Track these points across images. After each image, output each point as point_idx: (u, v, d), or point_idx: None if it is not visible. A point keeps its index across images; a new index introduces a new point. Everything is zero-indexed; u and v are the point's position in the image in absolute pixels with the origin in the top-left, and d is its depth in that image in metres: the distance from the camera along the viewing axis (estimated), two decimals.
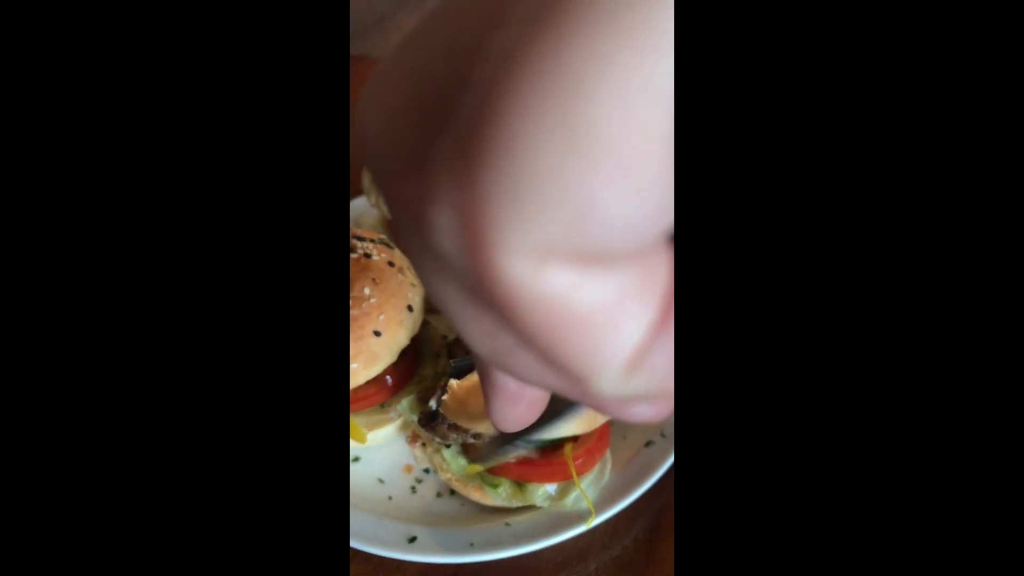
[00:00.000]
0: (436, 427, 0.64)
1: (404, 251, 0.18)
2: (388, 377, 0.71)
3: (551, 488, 0.64)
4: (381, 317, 0.65)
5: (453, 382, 0.63)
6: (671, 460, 0.66)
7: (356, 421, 0.69)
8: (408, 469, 0.71)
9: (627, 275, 0.14)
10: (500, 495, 0.64)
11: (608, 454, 0.67)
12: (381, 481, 0.70)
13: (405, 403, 0.70)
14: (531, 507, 0.65)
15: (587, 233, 0.13)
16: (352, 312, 0.64)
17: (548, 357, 0.15)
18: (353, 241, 0.70)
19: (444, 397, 0.63)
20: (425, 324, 0.74)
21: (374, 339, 0.64)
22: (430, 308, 0.73)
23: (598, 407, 0.18)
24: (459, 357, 0.67)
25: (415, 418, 0.69)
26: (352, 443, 0.69)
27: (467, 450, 0.66)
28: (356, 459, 0.72)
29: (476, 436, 0.62)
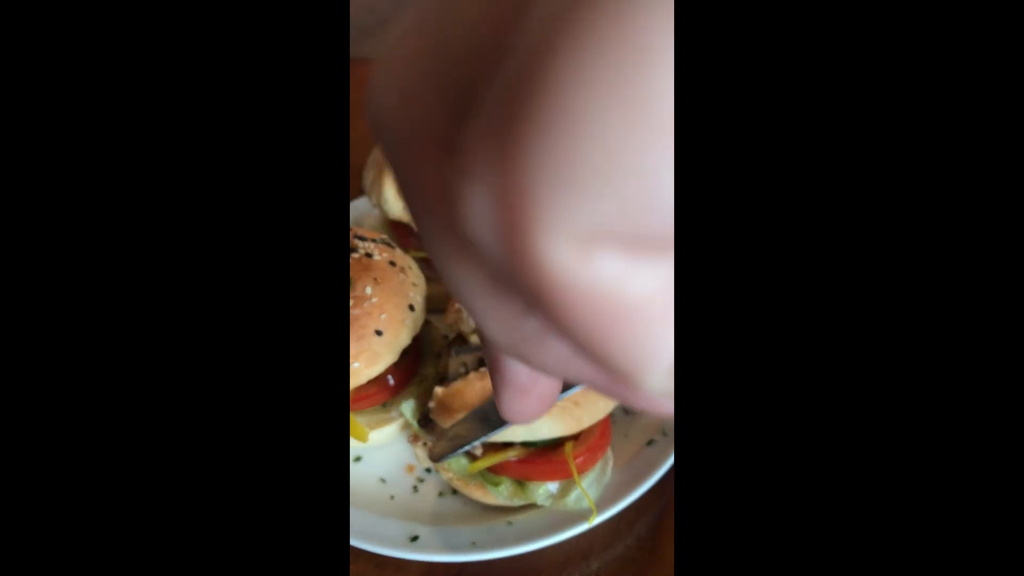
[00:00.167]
0: (434, 428, 0.64)
1: (421, 234, 0.17)
2: (390, 377, 0.71)
3: (552, 487, 0.64)
4: (383, 316, 0.65)
5: (438, 388, 0.63)
6: (672, 459, 0.66)
7: (358, 420, 0.69)
8: (410, 469, 0.71)
9: None
10: (501, 493, 0.64)
11: (610, 452, 0.67)
12: (383, 481, 0.70)
13: (406, 408, 0.70)
14: (533, 506, 0.65)
15: (644, 215, 0.12)
16: (354, 311, 0.64)
17: (590, 351, 0.14)
18: (355, 241, 0.70)
19: (431, 403, 0.64)
20: (426, 324, 0.74)
21: (376, 338, 0.64)
22: (432, 308, 0.74)
23: (637, 403, 0.17)
24: (459, 346, 0.67)
25: (415, 423, 0.69)
26: (354, 442, 0.69)
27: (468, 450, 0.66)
28: (358, 459, 0.72)
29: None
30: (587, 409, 0.61)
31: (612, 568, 0.64)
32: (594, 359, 0.14)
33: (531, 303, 0.14)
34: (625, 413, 0.73)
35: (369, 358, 0.64)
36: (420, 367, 0.74)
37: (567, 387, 0.56)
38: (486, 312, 0.16)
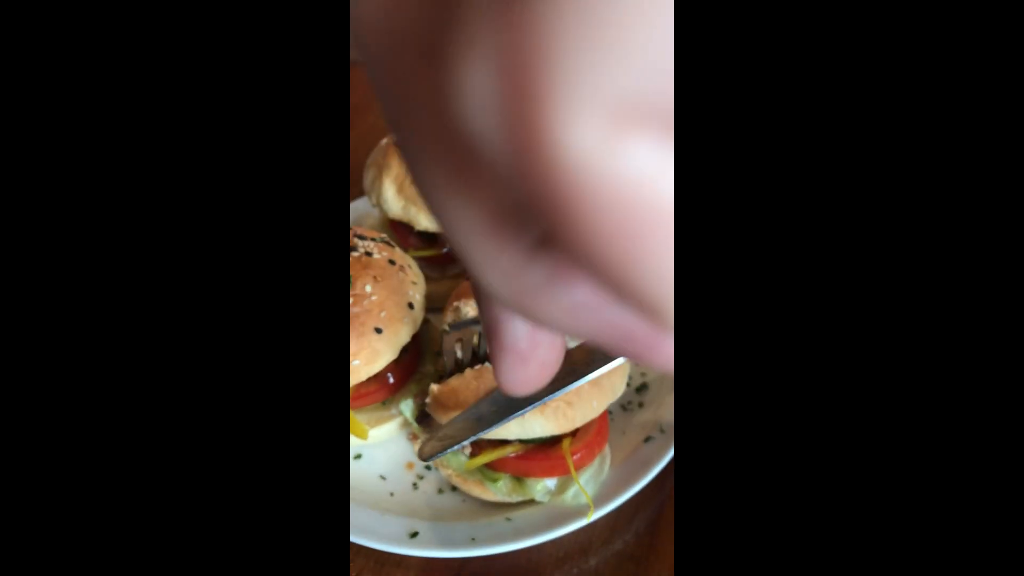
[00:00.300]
0: (431, 424, 0.65)
1: (412, 170, 0.15)
2: (389, 375, 0.71)
3: (550, 483, 0.65)
4: (383, 314, 0.65)
5: (433, 386, 0.64)
6: (670, 455, 0.67)
7: (358, 418, 0.70)
8: (410, 466, 0.72)
9: None
10: (500, 490, 0.65)
11: (607, 449, 0.68)
12: (383, 478, 0.71)
13: (405, 407, 0.70)
14: (532, 502, 0.66)
15: None
16: (353, 309, 0.65)
17: (612, 277, 0.12)
18: (354, 240, 0.71)
19: (427, 399, 0.64)
20: (426, 322, 0.75)
21: (375, 336, 0.65)
22: (430, 307, 0.74)
23: (657, 354, 0.15)
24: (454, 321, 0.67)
25: (414, 422, 0.70)
26: (354, 440, 0.70)
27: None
28: (358, 456, 0.73)
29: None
30: (579, 409, 0.61)
31: (611, 564, 0.64)
32: (616, 289, 0.12)
33: (543, 218, 0.12)
34: (623, 410, 0.74)
35: (369, 355, 0.64)
36: (420, 365, 0.75)
37: (560, 386, 0.57)
38: (486, 259, 0.15)
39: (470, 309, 0.67)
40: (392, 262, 0.70)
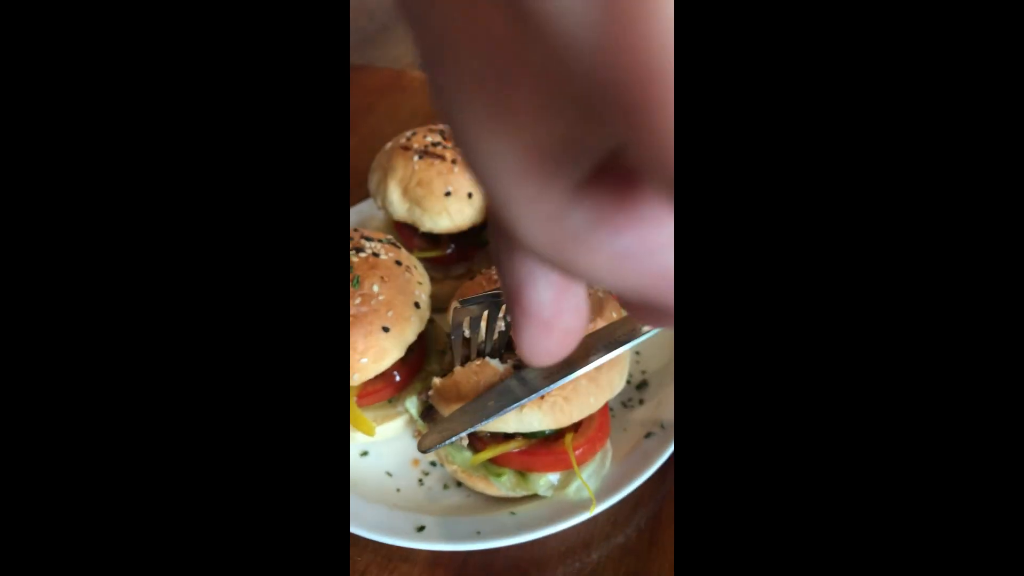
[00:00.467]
0: (435, 418, 0.66)
1: (447, 109, 0.14)
2: (396, 373, 0.73)
3: (553, 478, 0.66)
4: (390, 313, 0.67)
5: (436, 379, 0.65)
6: (670, 450, 0.68)
7: (365, 415, 0.71)
8: (415, 463, 0.73)
9: None
10: (504, 484, 0.66)
11: (608, 445, 0.69)
12: (389, 474, 0.72)
13: (410, 405, 0.72)
14: (535, 497, 0.67)
15: None
16: (361, 309, 0.66)
17: None
18: (362, 241, 0.72)
19: (430, 392, 0.66)
20: (430, 322, 0.76)
21: (383, 335, 0.66)
22: (435, 307, 0.76)
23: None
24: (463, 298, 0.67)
25: (418, 417, 0.71)
26: (361, 437, 0.71)
27: (470, 441, 0.68)
28: (365, 453, 0.74)
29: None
30: (576, 404, 0.63)
31: (613, 557, 0.65)
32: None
33: (624, 116, 0.11)
34: (623, 406, 0.75)
35: (376, 354, 0.66)
36: (425, 363, 0.76)
37: (557, 378, 0.58)
38: (524, 203, 0.14)
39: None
40: (399, 263, 0.71)
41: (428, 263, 0.85)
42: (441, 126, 0.90)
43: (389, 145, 0.89)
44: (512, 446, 0.65)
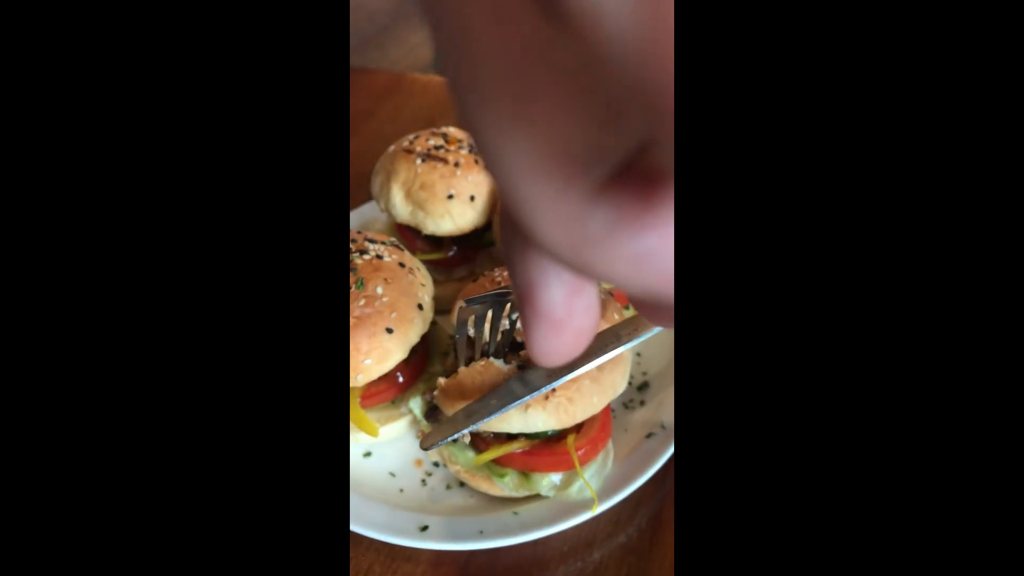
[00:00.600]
0: (439, 418, 0.67)
1: (466, 107, 0.14)
2: (399, 374, 0.73)
3: (556, 478, 0.67)
4: (393, 315, 0.68)
5: (440, 379, 0.66)
6: (671, 451, 0.69)
7: (368, 416, 0.72)
8: (418, 463, 0.74)
9: None
10: (507, 485, 0.67)
11: (610, 445, 0.70)
12: (392, 475, 0.73)
13: (414, 405, 0.72)
14: (537, 497, 0.68)
15: None
16: (365, 310, 0.67)
17: None
18: (366, 243, 0.73)
19: (435, 392, 0.66)
20: (433, 324, 0.77)
21: (386, 336, 0.67)
22: (438, 309, 0.76)
23: None
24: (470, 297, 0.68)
25: (422, 418, 0.72)
26: (365, 437, 0.72)
27: (473, 441, 0.69)
28: (368, 454, 0.75)
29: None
30: (580, 404, 0.64)
31: (615, 557, 0.66)
32: None
33: (656, 111, 0.11)
34: (625, 408, 0.76)
35: (380, 355, 0.66)
36: (428, 365, 0.77)
37: (558, 376, 0.59)
38: (544, 202, 0.14)
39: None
40: (402, 265, 0.72)
41: (431, 265, 0.85)
42: (444, 129, 0.90)
43: (392, 148, 0.90)
44: (515, 447, 0.66)
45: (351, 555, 0.67)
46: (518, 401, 0.59)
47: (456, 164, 0.84)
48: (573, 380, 0.62)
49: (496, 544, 0.64)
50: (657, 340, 0.81)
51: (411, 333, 0.68)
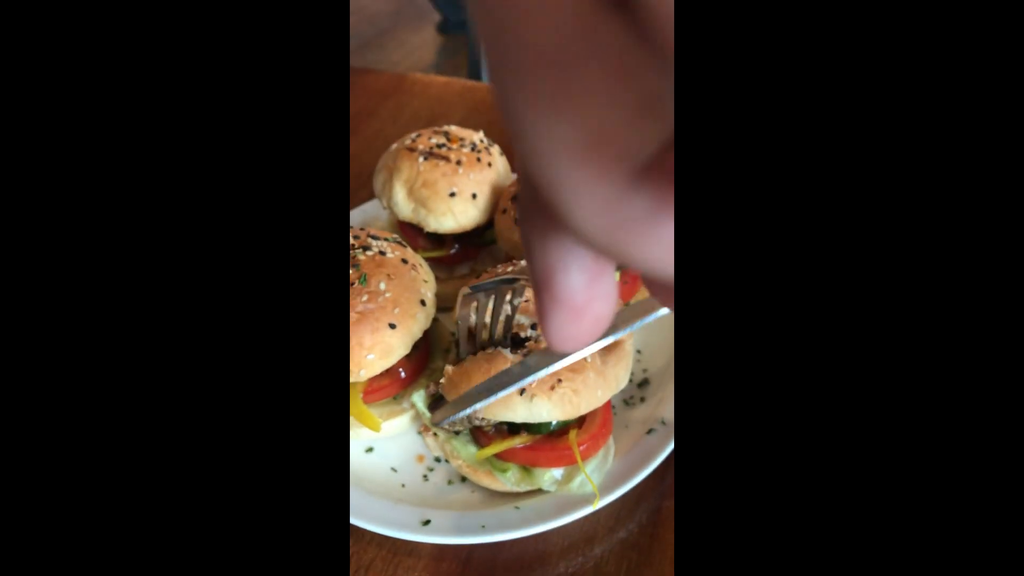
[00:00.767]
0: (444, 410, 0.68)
1: (504, 92, 0.13)
2: (401, 370, 0.74)
3: (557, 473, 0.67)
4: (396, 311, 0.68)
5: (448, 367, 0.66)
6: (671, 447, 0.69)
7: (371, 411, 0.72)
8: (420, 459, 0.74)
9: None
10: (509, 479, 0.67)
11: (611, 440, 0.70)
12: (394, 470, 0.73)
13: (417, 398, 0.73)
14: (539, 492, 0.68)
15: None
16: (368, 306, 0.67)
17: None
18: (369, 240, 0.74)
19: (442, 380, 0.67)
20: (435, 321, 0.77)
21: (389, 331, 0.67)
22: (439, 306, 0.77)
23: None
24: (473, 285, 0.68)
25: (426, 409, 0.72)
26: (367, 433, 0.72)
27: (475, 436, 0.69)
28: (370, 449, 0.75)
29: (481, 419, 0.65)
30: (585, 397, 0.64)
31: (615, 552, 0.66)
32: None
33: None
34: (625, 404, 0.77)
35: (383, 350, 0.67)
36: (430, 361, 0.77)
37: (559, 356, 0.59)
38: (580, 187, 0.13)
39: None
40: (405, 261, 0.73)
41: (433, 263, 0.86)
42: (446, 128, 0.91)
43: (394, 146, 0.90)
44: (517, 441, 0.66)
45: (354, 550, 0.67)
46: (528, 378, 0.58)
47: (458, 162, 0.84)
48: (579, 372, 0.63)
49: (498, 538, 0.64)
50: (657, 337, 0.82)
51: (414, 328, 0.69)
